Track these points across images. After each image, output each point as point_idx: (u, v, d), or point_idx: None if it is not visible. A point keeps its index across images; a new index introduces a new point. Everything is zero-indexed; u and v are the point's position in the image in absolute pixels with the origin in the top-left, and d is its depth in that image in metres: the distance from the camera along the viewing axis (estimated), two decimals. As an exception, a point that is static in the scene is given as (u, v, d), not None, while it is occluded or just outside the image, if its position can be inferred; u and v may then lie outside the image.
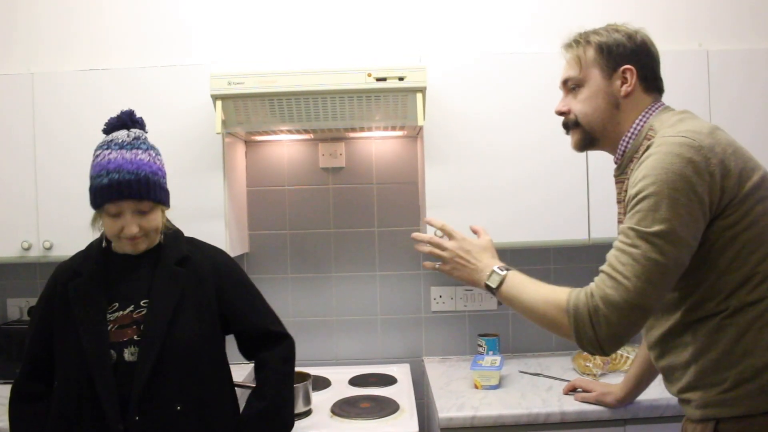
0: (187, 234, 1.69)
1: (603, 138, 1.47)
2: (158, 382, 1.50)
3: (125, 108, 1.59)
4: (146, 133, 1.60)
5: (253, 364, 1.74)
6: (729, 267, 1.26)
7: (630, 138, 1.42)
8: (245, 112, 2.04)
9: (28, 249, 2.15)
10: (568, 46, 1.49)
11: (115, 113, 1.57)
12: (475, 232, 1.56)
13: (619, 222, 1.47)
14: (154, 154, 1.56)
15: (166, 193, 1.58)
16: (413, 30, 2.47)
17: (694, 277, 1.28)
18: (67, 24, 2.46)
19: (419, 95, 1.99)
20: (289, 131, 2.30)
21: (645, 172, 1.26)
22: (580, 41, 1.47)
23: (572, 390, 1.98)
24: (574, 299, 1.27)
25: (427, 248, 1.52)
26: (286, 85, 1.97)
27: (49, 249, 2.15)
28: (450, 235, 1.50)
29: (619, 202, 1.49)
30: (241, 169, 2.47)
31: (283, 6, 2.47)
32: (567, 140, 1.52)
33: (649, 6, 2.45)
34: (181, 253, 1.62)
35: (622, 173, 1.46)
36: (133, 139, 1.53)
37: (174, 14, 2.46)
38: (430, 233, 2.13)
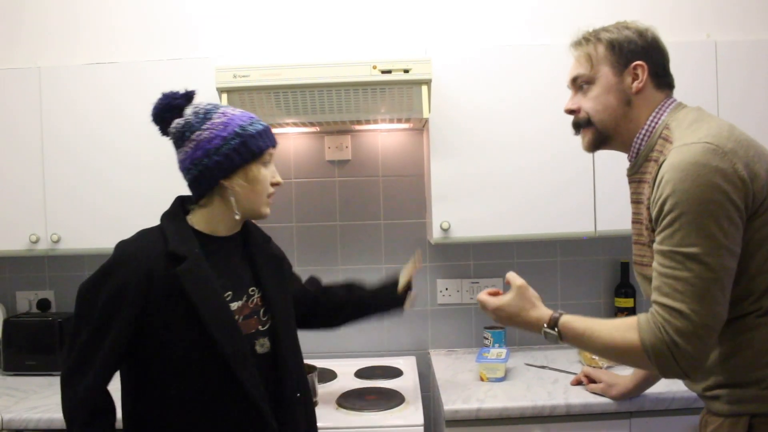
0: None
1: (615, 136, 1.43)
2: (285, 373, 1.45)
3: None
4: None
5: None
6: (760, 269, 1.25)
7: (644, 136, 1.39)
8: (251, 105, 2.04)
9: (36, 242, 2.17)
10: (578, 43, 1.45)
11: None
12: (507, 282, 1.52)
13: (635, 222, 1.44)
14: None
15: None
16: (418, 22, 2.45)
17: None
18: (74, 18, 2.46)
19: (424, 87, 1.98)
20: (295, 124, 2.30)
21: (673, 187, 1.21)
22: (590, 38, 1.43)
23: (579, 382, 1.98)
24: (649, 339, 1.23)
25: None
26: (292, 78, 1.97)
27: (56, 242, 2.16)
28: (484, 308, 1.52)
29: (634, 202, 1.45)
30: (247, 162, 2.46)
31: (288, -2, 2.47)
32: (573, 132, 1.50)
33: (657, -4, 2.43)
34: (265, 234, 1.58)
35: (636, 172, 1.42)
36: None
37: (179, 8, 2.46)
38: (435, 225, 2.15)
